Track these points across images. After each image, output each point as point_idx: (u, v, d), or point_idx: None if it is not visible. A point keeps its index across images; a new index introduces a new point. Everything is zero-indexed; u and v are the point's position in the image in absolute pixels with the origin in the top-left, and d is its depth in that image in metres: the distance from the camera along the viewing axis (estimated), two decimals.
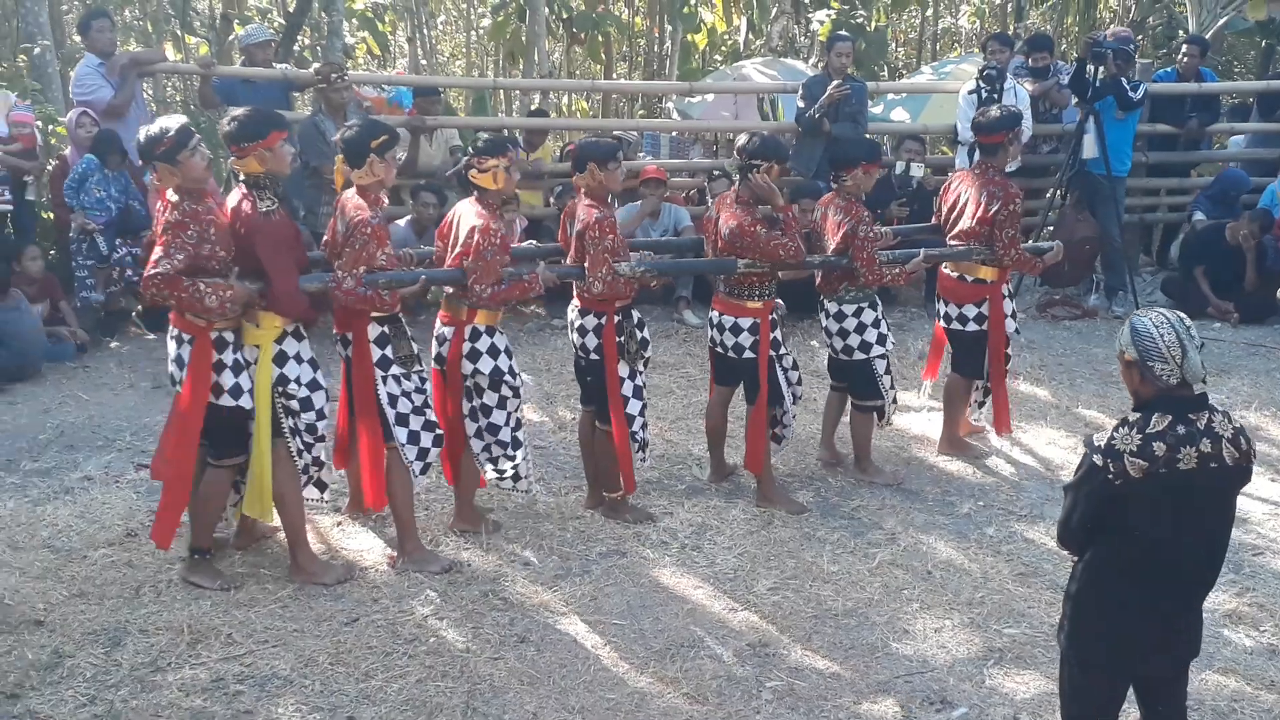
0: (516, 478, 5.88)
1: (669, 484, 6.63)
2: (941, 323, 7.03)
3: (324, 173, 8.40)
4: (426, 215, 9.01)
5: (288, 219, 5.28)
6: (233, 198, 5.19)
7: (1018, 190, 6.71)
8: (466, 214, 5.58)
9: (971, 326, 6.83)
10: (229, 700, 4.49)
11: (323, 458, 5.49)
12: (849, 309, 6.51)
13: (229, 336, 5.10)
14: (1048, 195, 10.49)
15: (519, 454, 5.83)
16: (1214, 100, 11.30)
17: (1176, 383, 3.37)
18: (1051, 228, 10.25)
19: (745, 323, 6.19)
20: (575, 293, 6.05)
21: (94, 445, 6.92)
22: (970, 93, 9.73)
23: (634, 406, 5.99)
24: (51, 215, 9.64)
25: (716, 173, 10.02)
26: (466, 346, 5.63)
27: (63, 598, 5.20)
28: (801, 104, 9.77)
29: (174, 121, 5.10)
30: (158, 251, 4.91)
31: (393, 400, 5.42)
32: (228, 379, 5.10)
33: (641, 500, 6.34)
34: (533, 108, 13.67)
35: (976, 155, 6.81)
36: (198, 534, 5.36)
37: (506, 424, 5.76)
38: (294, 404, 5.26)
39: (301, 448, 5.35)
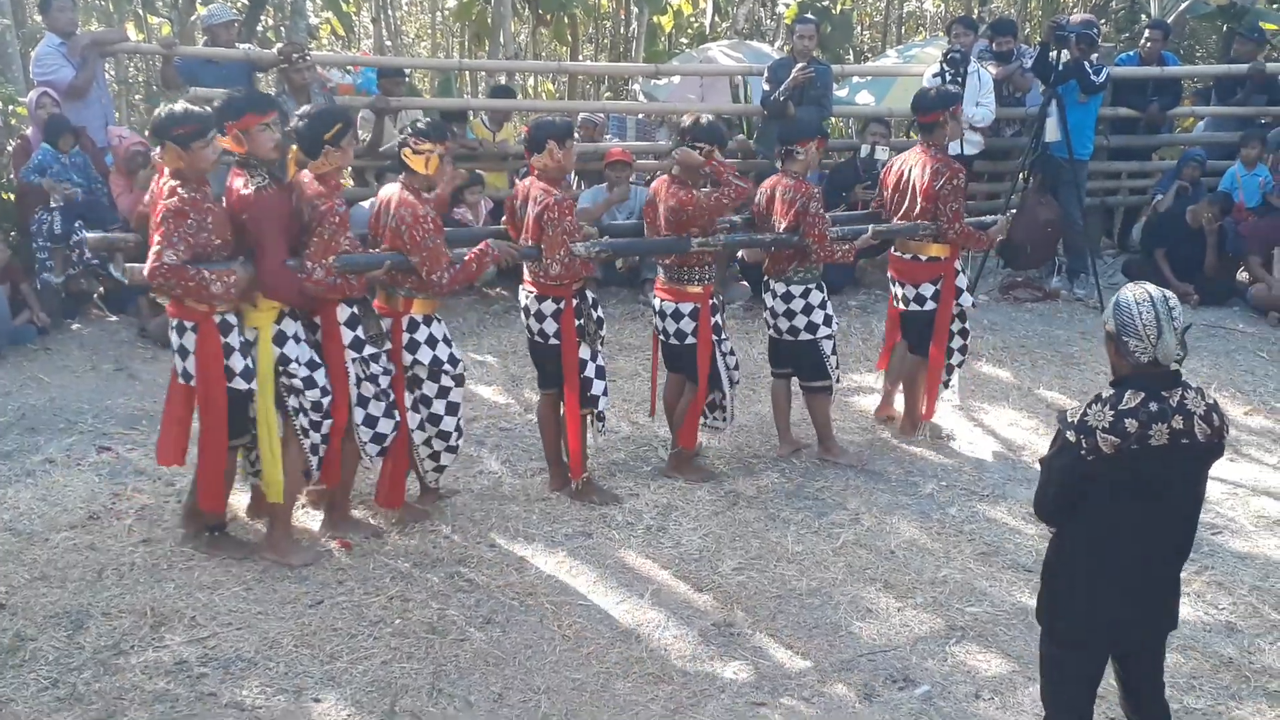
0: (441, 469, 5.90)
1: (634, 466, 6.65)
2: (899, 305, 7.05)
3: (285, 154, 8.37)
4: None
5: (281, 193, 5.20)
6: (230, 177, 5.19)
7: (960, 166, 6.79)
8: (391, 202, 5.50)
9: (929, 305, 6.87)
10: (192, 682, 4.48)
11: (328, 433, 5.42)
12: (797, 289, 6.53)
13: (232, 319, 5.11)
14: (1011, 179, 10.55)
15: (459, 443, 5.83)
16: (1175, 84, 11.37)
17: (1148, 361, 3.41)
18: (1014, 210, 10.30)
19: (686, 308, 6.22)
20: (528, 277, 6.01)
21: (55, 428, 6.87)
22: (934, 76, 9.74)
23: (598, 387, 6.01)
24: (11, 196, 9.52)
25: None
26: (405, 337, 5.58)
27: (24, 580, 5.17)
28: (767, 87, 9.77)
29: (196, 108, 5.10)
30: (158, 241, 4.88)
31: (358, 381, 5.41)
32: (236, 361, 5.10)
33: (607, 482, 6.37)
34: (496, 85, 13.62)
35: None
36: (217, 508, 5.43)
37: (448, 413, 5.71)
38: (296, 383, 5.26)
39: (308, 426, 5.34)
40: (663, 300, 6.30)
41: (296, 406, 5.31)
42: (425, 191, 5.59)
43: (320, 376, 5.30)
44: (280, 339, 5.22)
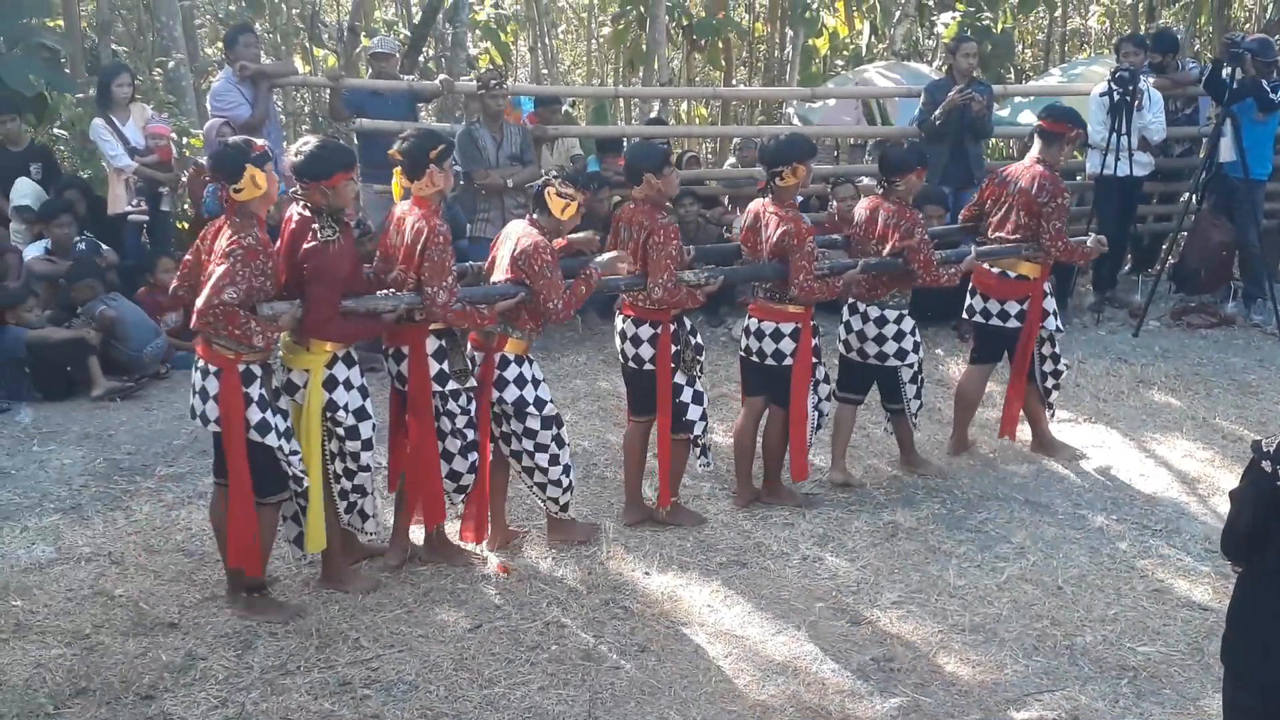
0: (557, 501, 5.83)
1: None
2: (978, 318, 6.89)
3: (477, 179, 8.57)
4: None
5: (350, 247, 5.10)
6: (292, 217, 5.09)
7: (1064, 185, 6.70)
8: (516, 235, 5.56)
9: (1013, 324, 6.75)
10: (356, 704, 4.56)
11: (366, 487, 5.35)
12: (891, 314, 6.43)
13: (256, 370, 4.93)
14: (1182, 199, 10.18)
15: (560, 477, 5.75)
16: None
17: None
18: (1187, 233, 9.93)
19: (787, 328, 6.12)
20: (626, 302, 5.97)
21: None
22: (1102, 95, 9.47)
23: (694, 413, 5.98)
24: (186, 225, 9.90)
25: (841, 178, 9.90)
26: (494, 374, 5.56)
27: (195, 601, 5.33)
28: (924, 109, 9.62)
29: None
30: (220, 277, 4.71)
31: (436, 415, 5.43)
32: (254, 414, 4.92)
33: (764, 509, 6.31)
34: (651, 115, 13.69)
35: (1037, 147, 6.69)
36: (252, 568, 5.17)
37: (538, 450, 5.66)
38: (340, 430, 5.19)
39: (340, 473, 5.28)
40: (760, 320, 6.21)
41: (335, 452, 5.24)
42: (553, 233, 5.61)
43: (365, 429, 5.21)
44: (330, 383, 5.12)
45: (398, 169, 5.27)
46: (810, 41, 17.90)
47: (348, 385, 5.17)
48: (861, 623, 5.22)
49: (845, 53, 19.16)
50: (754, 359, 6.25)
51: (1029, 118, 12.33)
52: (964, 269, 6.51)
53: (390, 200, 5.64)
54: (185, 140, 10.23)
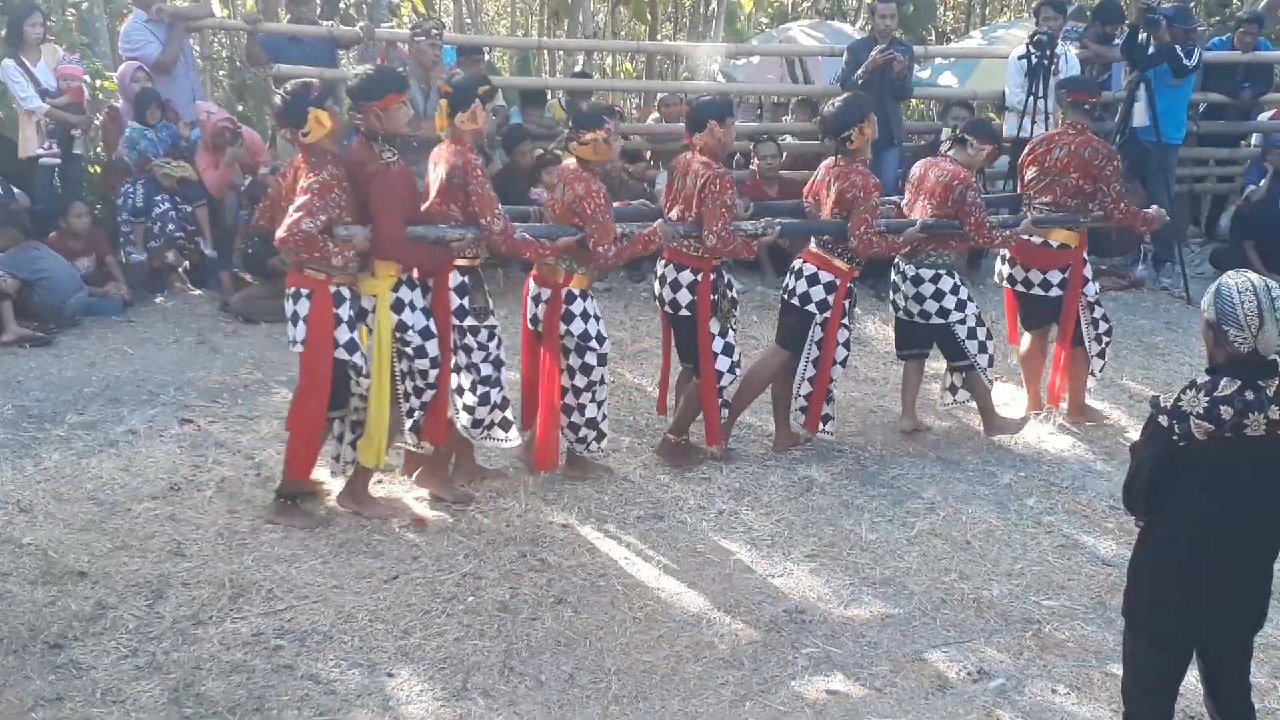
0: (600, 436, 6.07)
1: (707, 448, 6.61)
2: (1019, 288, 6.99)
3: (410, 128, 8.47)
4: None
5: (405, 170, 5.47)
6: (353, 148, 5.45)
7: (1113, 149, 6.84)
8: (569, 180, 5.78)
9: (1054, 292, 6.84)
10: (269, 654, 4.54)
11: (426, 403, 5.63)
12: (926, 273, 6.58)
13: (345, 292, 5.33)
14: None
15: (599, 413, 6.00)
16: (1268, 69, 11.08)
17: (1247, 351, 3.33)
18: None
19: (825, 278, 6.27)
20: (667, 248, 6.13)
21: (138, 399, 6.98)
22: (1020, 58, 9.58)
23: (723, 363, 6.12)
24: (98, 169, 9.69)
25: (763, 136, 9.93)
26: (561, 308, 5.79)
27: (106, 549, 5.26)
28: (845, 68, 9.66)
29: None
30: (299, 207, 5.12)
31: (454, 348, 5.65)
32: (343, 333, 5.30)
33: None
34: (576, 69, 13.61)
35: (1062, 116, 6.83)
36: (303, 475, 5.59)
37: (587, 388, 5.90)
38: (409, 350, 5.49)
39: (410, 391, 5.58)
40: (804, 262, 6.37)
41: (405, 371, 5.53)
42: (599, 172, 5.89)
43: (432, 347, 5.50)
44: (398, 306, 5.45)
45: (443, 101, 5.53)
46: None
47: (412, 307, 5.49)
48: (775, 575, 5.30)
49: (770, 10, 19.17)
50: (784, 298, 6.44)
51: (949, 79, 12.51)
52: (1021, 231, 6.66)
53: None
54: (98, 82, 10.00)
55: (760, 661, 4.64)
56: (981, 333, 6.71)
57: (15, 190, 8.50)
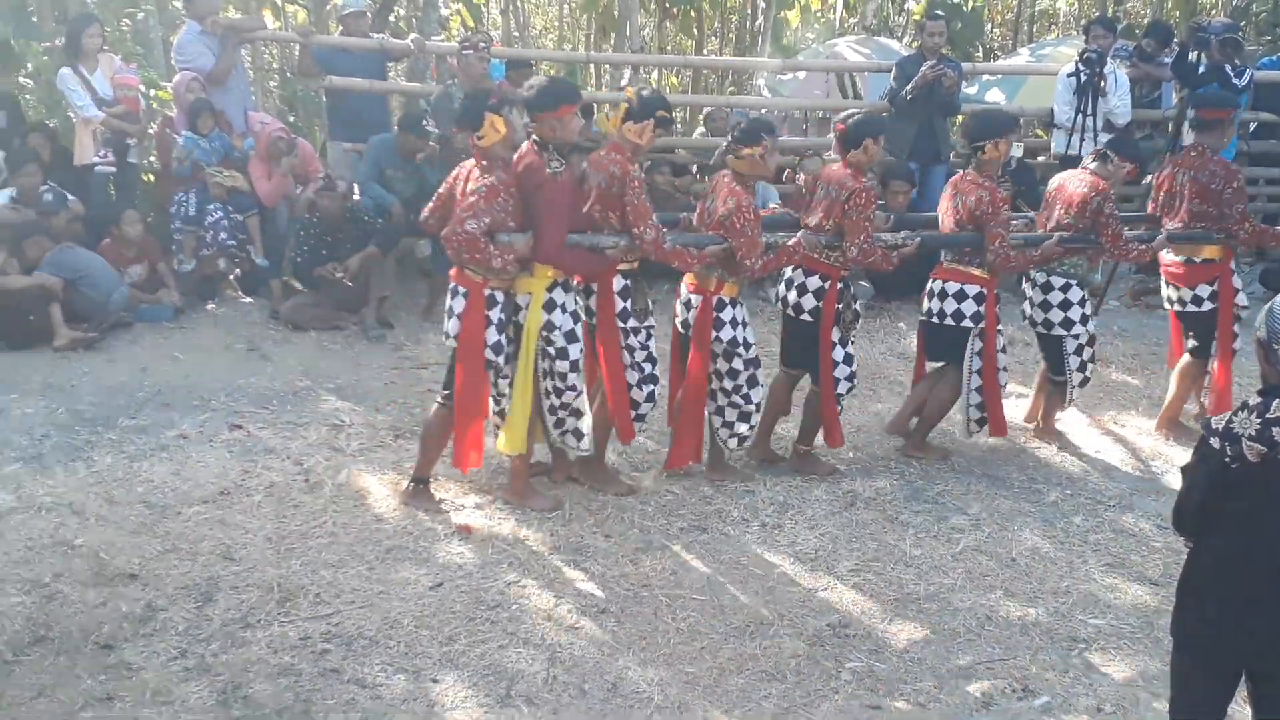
0: (742, 439, 6.22)
1: (753, 461, 6.61)
2: (1175, 307, 7.05)
3: (455, 141, 8.53)
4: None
5: (572, 180, 5.64)
6: (523, 155, 5.58)
7: (1237, 168, 6.92)
8: (723, 194, 5.89)
9: (1207, 306, 6.90)
10: (316, 658, 4.58)
11: (580, 408, 5.82)
12: (1058, 281, 6.63)
13: (499, 296, 5.56)
14: (1145, 180, 10.27)
15: (753, 414, 6.16)
16: None
17: None
18: None
19: (971, 290, 6.34)
20: None
21: (189, 405, 7.07)
22: (1069, 75, 9.56)
23: (842, 371, 6.20)
24: (152, 178, 9.83)
25: (810, 152, 9.93)
26: (712, 316, 5.93)
27: (156, 552, 5.33)
28: (894, 84, 9.66)
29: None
30: (465, 209, 5.38)
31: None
32: (491, 334, 5.54)
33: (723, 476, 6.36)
34: (623, 83, 13.64)
35: (1188, 137, 6.88)
36: (421, 465, 5.89)
37: (735, 392, 6.05)
38: (551, 350, 5.66)
39: (550, 391, 5.74)
40: (945, 282, 6.42)
41: (547, 370, 5.69)
42: (755, 183, 6.10)
43: (574, 351, 5.67)
44: (550, 306, 5.62)
45: (623, 106, 5.72)
46: (782, 14, 17.88)
47: (564, 309, 5.68)
48: (819, 589, 5.29)
49: (817, 26, 19.16)
50: (934, 320, 6.48)
51: (996, 96, 12.46)
52: (1156, 247, 6.71)
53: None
54: (153, 92, 10.15)
55: (804, 675, 4.63)
56: (1087, 353, 6.75)
57: (69, 197, 8.63)
